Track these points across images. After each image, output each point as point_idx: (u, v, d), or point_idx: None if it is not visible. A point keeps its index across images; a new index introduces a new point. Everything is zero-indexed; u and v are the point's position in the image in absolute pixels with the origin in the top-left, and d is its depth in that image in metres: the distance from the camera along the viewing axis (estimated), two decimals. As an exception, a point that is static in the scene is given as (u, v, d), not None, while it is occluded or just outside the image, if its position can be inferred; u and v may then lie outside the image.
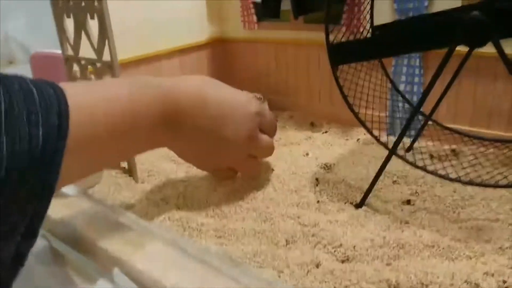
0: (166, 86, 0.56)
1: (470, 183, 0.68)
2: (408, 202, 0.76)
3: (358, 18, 1.01)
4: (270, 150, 0.76)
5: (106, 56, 0.84)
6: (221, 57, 1.36)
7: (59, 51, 0.97)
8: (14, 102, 0.32)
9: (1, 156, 0.29)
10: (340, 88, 0.75)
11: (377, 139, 0.72)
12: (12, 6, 1.55)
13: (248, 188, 0.84)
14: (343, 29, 1.06)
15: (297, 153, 1.00)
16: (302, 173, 0.89)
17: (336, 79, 0.75)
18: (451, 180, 0.69)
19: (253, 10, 1.19)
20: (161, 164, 1.00)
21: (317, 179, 0.85)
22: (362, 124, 0.74)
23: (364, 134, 1.07)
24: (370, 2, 0.87)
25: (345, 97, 0.74)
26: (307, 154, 0.99)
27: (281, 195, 0.81)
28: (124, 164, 0.97)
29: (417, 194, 0.78)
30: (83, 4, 0.83)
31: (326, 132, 1.12)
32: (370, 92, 0.86)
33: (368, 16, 0.86)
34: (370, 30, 0.88)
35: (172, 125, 0.57)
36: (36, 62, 1.09)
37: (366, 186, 0.81)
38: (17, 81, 0.35)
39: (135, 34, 1.09)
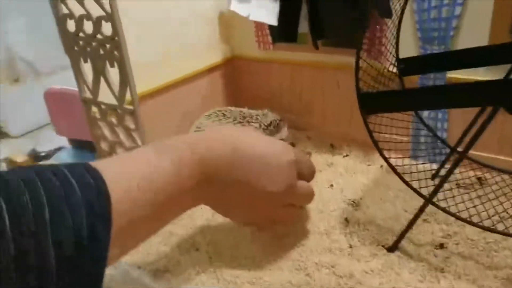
0: (200, 148, 0.55)
1: (505, 233, 0.68)
2: (441, 246, 0.76)
3: (379, 43, 0.99)
4: (310, 197, 0.75)
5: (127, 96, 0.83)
6: (235, 76, 1.33)
7: (74, 88, 0.95)
8: (55, 201, 0.33)
9: (49, 249, 0.31)
10: (371, 134, 0.74)
11: (414, 189, 0.71)
12: (12, 17, 1.52)
13: (279, 232, 0.84)
14: (363, 54, 1.04)
15: (321, 183, 1.00)
16: (330, 211, 0.88)
17: (367, 127, 0.74)
18: (484, 229, 0.70)
19: (268, 31, 1.16)
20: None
21: (346, 219, 0.85)
22: (392, 168, 0.74)
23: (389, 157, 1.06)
24: (395, 33, 0.85)
25: (376, 144, 0.73)
26: (331, 186, 0.98)
27: (313, 240, 0.81)
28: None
29: (449, 236, 0.78)
30: (101, 52, 0.81)
31: (347, 155, 1.11)
32: (392, 115, 0.85)
33: (389, 45, 0.84)
34: (395, 63, 0.86)
35: (207, 184, 0.57)
36: (51, 98, 1.07)
37: (396, 227, 0.82)
38: (54, 174, 0.35)
39: (149, 67, 1.07)
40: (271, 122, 1.12)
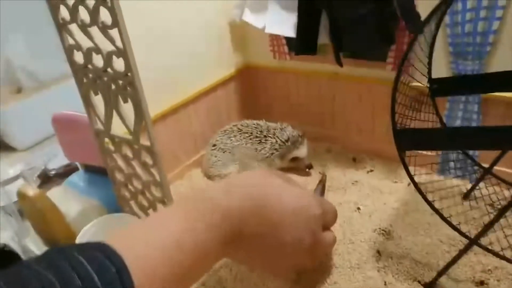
0: (232, 206, 0.52)
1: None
2: (482, 283, 0.73)
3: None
4: (332, 245, 0.72)
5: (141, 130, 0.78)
6: (250, 88, 1.27)
7: (83, 114, 0.90)
8: None
9: None
10: (409, 173, 0.69)
11: (457, 229, 0.67)
12: (11, 28, 1.44)
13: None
14: (388, 67, 0.98)
15: (347, 205, 0.96)
16: (360, 241, 0.85)
17: (404, 164, 0.69)
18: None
19: (284, 41, 1.09)
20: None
21: (378, 252, 0.82)
22: (433, 208, 0.69)
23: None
24: (428, 52, 0.78)
25: (415, 184, 0.68)
26: (359, 209, 0.94)
27: (345, 276, 0.77)
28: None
29: (489, 271, 0.74)
30: (113, 87, 0.76)
31: (371, 171, 1.07)
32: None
33: (419, 64, 0.78)
34: (428, 83, 0.80)
35: (235, 243, 0.54)
36: (59, 125, 1.02)
37: (432, 260, 0.78)
38: (71, 264, 0.33)
39: (159, 89, 1.01)
40: (288, 138, 1.07)
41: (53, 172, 1.28)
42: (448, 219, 0.69)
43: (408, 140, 0.68)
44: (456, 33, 0.84)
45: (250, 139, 1.10)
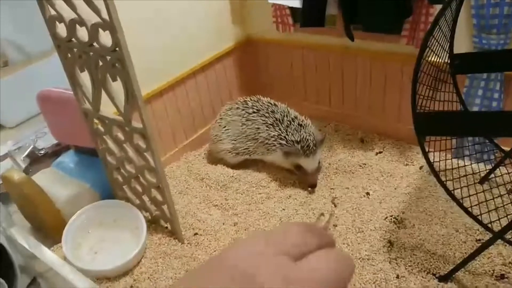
0: None
1: None
2: (502, 277, 0.68)
3: (424, 30, 0.85)
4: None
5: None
6: (251, 61, 1.18)
7: (70, 92, 0.82)
8: None
9: None
10: (428, 160, 0.63)
11: (480, 222, 0.61)
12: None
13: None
14: (402, 40, 0.90)
15: (356, 190, 0.90)
16: (370, 230, 0.79)
17: (423, 150, 0.62)
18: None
19: (288, 11, 1.00)
20: (204, 214, 0.90)
21: (390, 242, 0.76)
22: (452, 197, 0.63)
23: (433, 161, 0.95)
24: (451, 25, 0.70)
25: (436, 174, 0.62)
26: (368, 194, 0.88)
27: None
28: (167, 224, 0.87)
29: (510, 264, 0.69)
30: (100, 63, 0.68)
31: (380, 152, 1.00)
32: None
33: (442, 38, 0.70)
34: (448, 60, 0.73)
35: None
36: (45, 104, 0.95)
37: (448, 252, 0.73)
38: None
39: (154, 64, 0.93)
40: (300, 140, 0.90)
41: (42, 152, 1.21)
42: (469, 209, 0.64)
43: (428, 125, 0.61)
44: (481, 3, 0.75)
45: (260, 118, 0.97)
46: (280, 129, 0.94)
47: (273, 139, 0.94)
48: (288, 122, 0.94)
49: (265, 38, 1.11)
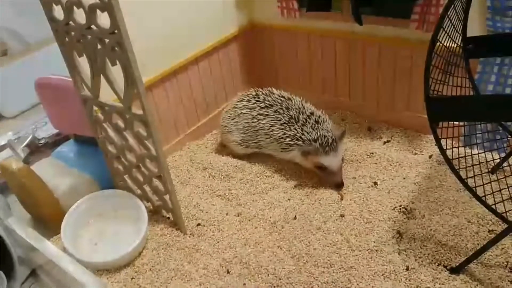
0: None
1: None
2: (517, 269, 0.65)
3: (435, 14, 0.81)
4: None
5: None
6: (254, 48, 1.15)
7: (69, 78, 0.80)
8: None
9: None
10: (441, 148, 0.60)
11: (495, 212, 0.59)
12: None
13: (321, 247, 0.73)
14: (412, 25, 0.86)
15: (363, 180, 0.87)
16: (378, 221, 0.77)
17: (436, 137, 0.59)
18: None
19: (293, -5, 0.97)
20: (207, 204, 0.87)
21: (399, 232, 0.74)
22: (468, 188, 0.60)
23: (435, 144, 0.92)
24: (465, 6, 0.67)
25: (449, 163, 0.60)
26: (375, 184, 0.86)
27: (362, 260, 0.70)
28: (168, 214, 0.85)
29: (525, 255, 0.67)
30: (99, 47, 0.65)
31: (388, 141, 0.98)
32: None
33: (455, 19, 0.67)
34: (461, 43, 0.70)
35: None
36: (43, 92, 0.92)
37: (460, 244, 0.70)
38: None
39: (156, 50, 0.90)
40: (317, 138, 0.86)
41: (42, 141, 1.19)
42: (483, 198, 0.61)
43: (442, 110, 0.58)
44: (497, -17, 0.72)
45: (274, 113, 0.92)
46: (295, 129, 0.89)
47: (289, 139, 0.90)
48: (304, 120, 0.89)
49: (269, 24, 1.08)
